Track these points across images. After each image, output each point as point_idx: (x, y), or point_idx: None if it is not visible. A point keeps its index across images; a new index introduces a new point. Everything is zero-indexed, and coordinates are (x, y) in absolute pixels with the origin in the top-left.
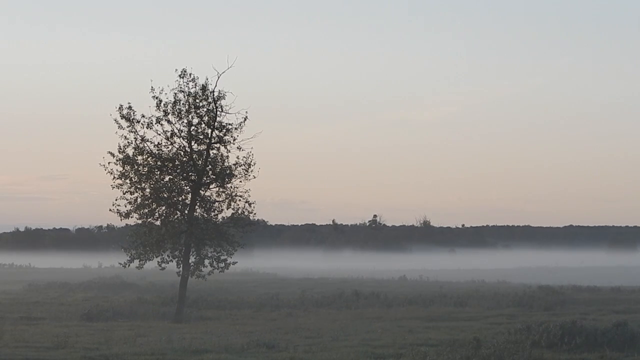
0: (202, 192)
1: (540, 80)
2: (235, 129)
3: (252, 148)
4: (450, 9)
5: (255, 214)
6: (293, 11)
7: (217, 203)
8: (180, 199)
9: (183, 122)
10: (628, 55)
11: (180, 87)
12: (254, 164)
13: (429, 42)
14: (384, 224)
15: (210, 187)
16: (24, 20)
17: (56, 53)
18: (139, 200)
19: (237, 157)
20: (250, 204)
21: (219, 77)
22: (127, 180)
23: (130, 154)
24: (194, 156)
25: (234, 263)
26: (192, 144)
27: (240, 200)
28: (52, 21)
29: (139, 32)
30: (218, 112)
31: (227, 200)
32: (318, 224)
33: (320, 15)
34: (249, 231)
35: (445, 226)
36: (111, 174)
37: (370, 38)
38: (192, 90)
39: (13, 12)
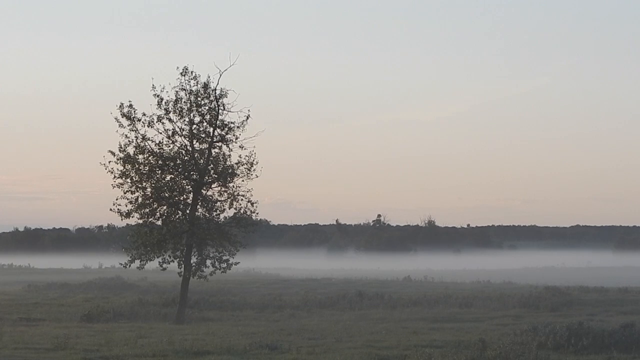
0: (203, 192)
1: (546, 80)
2: (238, 127)
3: (254, 147)
4: (453, 9)
5: (257, 213)
6: (296, 10)
7: (219, 203)
8: (181, 198)
9: (184, 120)
10: (633, 54)
11: (182, 85)
12: (257, 163)
13: (432, 42)
14: (388, 224)
15: (212, 186)
16: (24, 23)
17: (56, 53)
18: (139, 199)
19: (239, 156)
20: (252, 204)
21: (220, 75)
22: (128, 180)
23: (131, 152)
24: (196, 155)
25: (236, 263)
26: (194, 142)
27: (242, 199)
28: (51, 22)
29: (140, 32)
30: (220, 111)
31: (229, 200)
32: (321, 224)
33: (322, 15)
34: (251, 231)
35: (450, 226)
36: (112, 173)
37: (373, 38)
38: (193, 88)
39: (14, 17)
